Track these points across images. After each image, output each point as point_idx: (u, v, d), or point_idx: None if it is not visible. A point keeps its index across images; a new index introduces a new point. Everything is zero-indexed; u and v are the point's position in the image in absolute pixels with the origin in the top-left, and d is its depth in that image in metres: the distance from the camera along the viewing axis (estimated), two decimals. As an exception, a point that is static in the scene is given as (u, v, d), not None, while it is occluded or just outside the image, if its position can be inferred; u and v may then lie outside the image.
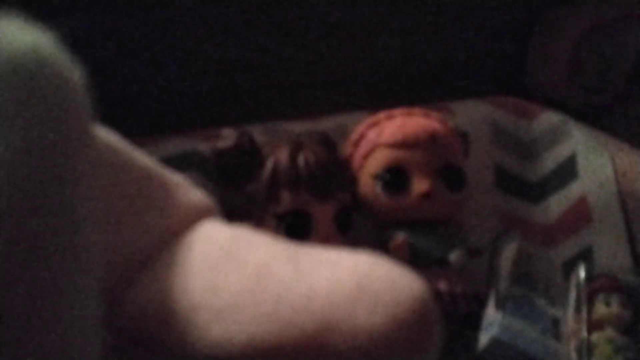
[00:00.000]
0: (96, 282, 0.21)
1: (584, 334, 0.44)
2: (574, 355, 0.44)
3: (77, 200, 0.20)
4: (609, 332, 0.44)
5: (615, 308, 0.44)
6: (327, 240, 0.45)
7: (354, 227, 0.49)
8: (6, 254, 0.18)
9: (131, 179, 0.28)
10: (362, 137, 0.50)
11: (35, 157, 0.18)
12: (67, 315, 0.20)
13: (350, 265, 0.25)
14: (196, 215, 0.30)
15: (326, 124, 0.55)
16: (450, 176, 0.49)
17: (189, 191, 0.31)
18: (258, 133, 0.51)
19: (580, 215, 0.53)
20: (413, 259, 0.46)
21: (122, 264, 0.27)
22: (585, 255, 0.51)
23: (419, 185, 0.47)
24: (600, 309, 0.45)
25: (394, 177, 0.48)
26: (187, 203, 0.30)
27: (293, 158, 0.45)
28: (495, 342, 0.43)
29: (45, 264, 0.19)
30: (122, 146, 0.28)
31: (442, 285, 0.45)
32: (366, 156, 0.49)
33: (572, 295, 0.46)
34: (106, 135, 0.27)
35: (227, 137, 0.47)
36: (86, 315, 0.21)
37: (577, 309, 0.45)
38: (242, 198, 0.46)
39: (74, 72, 0.20)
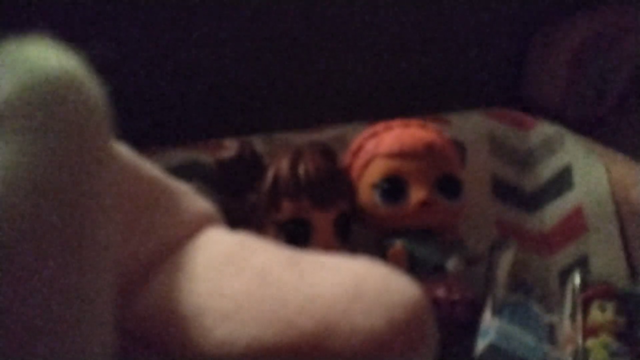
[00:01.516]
0: (107, 287, 0.22)
1: (580, 340, 0.44)
2: (569, 361, 0.44)
3: (95, 212, 0.21)
4: (604, 338, 0.44)
5: (610, 315, 0.45)
6: (326, 247, 0.46)
7: (353, 235, 0.49)
8: (22, 257, 0.19)
9: (138, 187, 0.29)
10: (361, 147, 0.51)
11: (60, 171, 0.19)
12: (79, 320, 0.21)
13: (349, 270, 0.26)
14: (201, 223, 0.30)
15: (326, 134, 0.56)
16: (448, 186, 0.49)
17: (194, 200, 0.32)
18: (259, 143, 0.52)
19: (575, 225, 0.54)
20: (411, 266, 0.47)
21: (129, 269, 0.27)
22: (581, 264, 0.52)
23: (417, 194, 0.48)
24: (596, 315, 0.45)
25: (392, 187, 0.48)
26: (192, 211, 0.31)
27: (293, 167, 0.46)
28: (491, 348, 0.43)
29: (60, 268, 0.20)
30: (130, 156, 0.29)
31: (440, 292, 0.46)
32: (365, 166, 0.50)
33: (568, 302, 0.47)
34: (115, 145, 0.28)
35: (229, 147, 0.48)
36: (97, 318, 0.22)
37: (573, 316, 0.46)
38: (244, 207, 0.46)
39: (100, 94, 0.21)
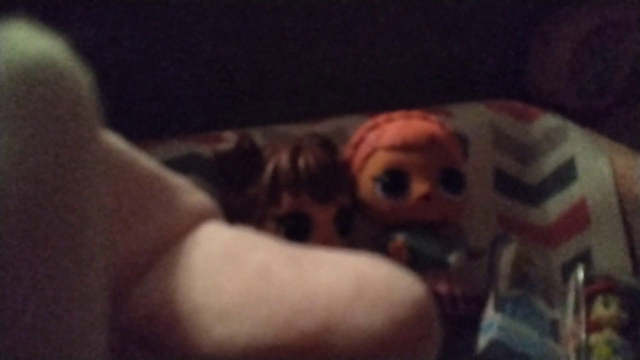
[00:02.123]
0: (101, 284, 0.22)
1: (583, 335, 0.44)
2: (572, 356, 0.44)
3: (84, 203, 0.20)
4: (608, 333, 0.44)
5: (613, 310, 0.45)
6: (326, 242, 0.45)
7: (354, 229, 0.49)
8: (12, 252, 0.18)
9: (135, 181, 0.28)
10: (361, 139, 0.51)
11: (46, 159, 0.19)
12: (72, 316, 0.20)
13: (350, 267, 0.25)
14: (199, 218, 0.30)
15: (326, 126, 0.55)
16: (450, 179, 0.49)
17: (192, 194, 0.31)
18: (259, 136, 0.52)
19: (579, 218, 0.53)
20: (412, 261, 0.46)
21: (125, 265, 0.27)
22: (584, 258, 0.52)
23: (419, 187, 0.47)
24: (599, 310, 0.45)
25: (394, 180, 0.48)
26: (190, 205, 0.30)
27: (293, 160, 0.45)
28: (494, 344, 0.43)
29: (50, 264, 0.19)
30: (126, 149, 0.28)
31: (442, 287, 0.46)
32: (366, 159, 0.49)
33: (571, 297, 0.47)
34: (111, 138, 0.27)
35: (228, 140, 0.47)
36: (91, 316, 0.21)
37: (576, 311, 0.46)
38: (243, 200, 0.46)
39: (85, 79, 0.21)
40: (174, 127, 0.58)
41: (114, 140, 0.28)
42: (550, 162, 0.57)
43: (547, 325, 0.46)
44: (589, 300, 0.45)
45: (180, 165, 0.51)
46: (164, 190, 0.29)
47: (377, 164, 0.49)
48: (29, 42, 0.20)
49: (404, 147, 0.48)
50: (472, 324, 0.46)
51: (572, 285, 0.47)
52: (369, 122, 0.51)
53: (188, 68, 0.61)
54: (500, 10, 0.66)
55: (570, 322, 0.46)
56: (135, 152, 0.29)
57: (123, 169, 0.28)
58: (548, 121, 0.58)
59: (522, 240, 0.51)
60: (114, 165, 0.27)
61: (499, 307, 0.45)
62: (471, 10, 0.65)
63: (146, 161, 0.30)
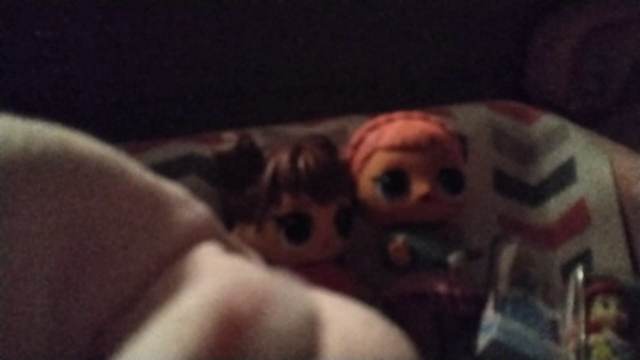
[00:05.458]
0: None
1: (582, 335, 0.44)
2: (572, 357, 0.44)
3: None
4: (607, 334, 0.44)
5: (613, 310, 0.45)
6: (326, 242, 0.46)
7: (354, 230, 0.49)
8: None
9: (122, 197, 0.25)
10: (361, 140, 0.51)
11: None
12: None
13: (341, 326, 0.24)
14: (193, 238, 0.27)
15: (326, 127, 0.55)
16: (450, 179, 0.49)
17: (187, 208, 0.27)
18: (259, 136, 0.52)
19: (579, 218, 0.53)
20: (412, 261, 0.46)
21: (109, 295, 0.24)
22: (584, 258, 0.52)
23: (419, 188, 0.47)
24: (599, 311, 0.45)
25: (394, 180, 0.48)
26: (184, 224, 0.27)
27: (293, 161, 0.45)
28: (493, 344, 0.43)
29: None
30: (112, 163, 0.25)
31: (441, 288, 0.46)
32: (366, 159, 0.49)
33: (571, 297, 0.47)
34: (95, 148, 0.24)
35: (228, 140, 0.47)
36: None
37: (576, 311, 0.46)
38: (243, 201, 0.46)
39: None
40: (174, 127, 0.58)
41: (100, 155, 0.24)
42: (550, 162, 0.57)
43: (547, 326, 0.46)
44: (589, 300, 0.45)
45: (179, 166, 0.51)
46: (155, 207, 0.26)
47: (377, 164, 0.49)
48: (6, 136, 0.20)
49: (404, 147, 0.48)
50: (472, 324, 0.45)
51: (571, 285, 0.47)
52: (369, 123, 0.51)
53: (188, 68, 0.61)
54: (501, 10, 0.66)
55: (569, 322, 0.46)
56: (124, 162, 0.25)
57: (108, 184, 0.24)
58: (548, 122, 0.58)
59: (522, 240, 0.51)
60: (97, 181, 0.25)
61: (499, 307, 0.45)
62: (471, 10, 0.65)
63: (137, 172, 0.26)
